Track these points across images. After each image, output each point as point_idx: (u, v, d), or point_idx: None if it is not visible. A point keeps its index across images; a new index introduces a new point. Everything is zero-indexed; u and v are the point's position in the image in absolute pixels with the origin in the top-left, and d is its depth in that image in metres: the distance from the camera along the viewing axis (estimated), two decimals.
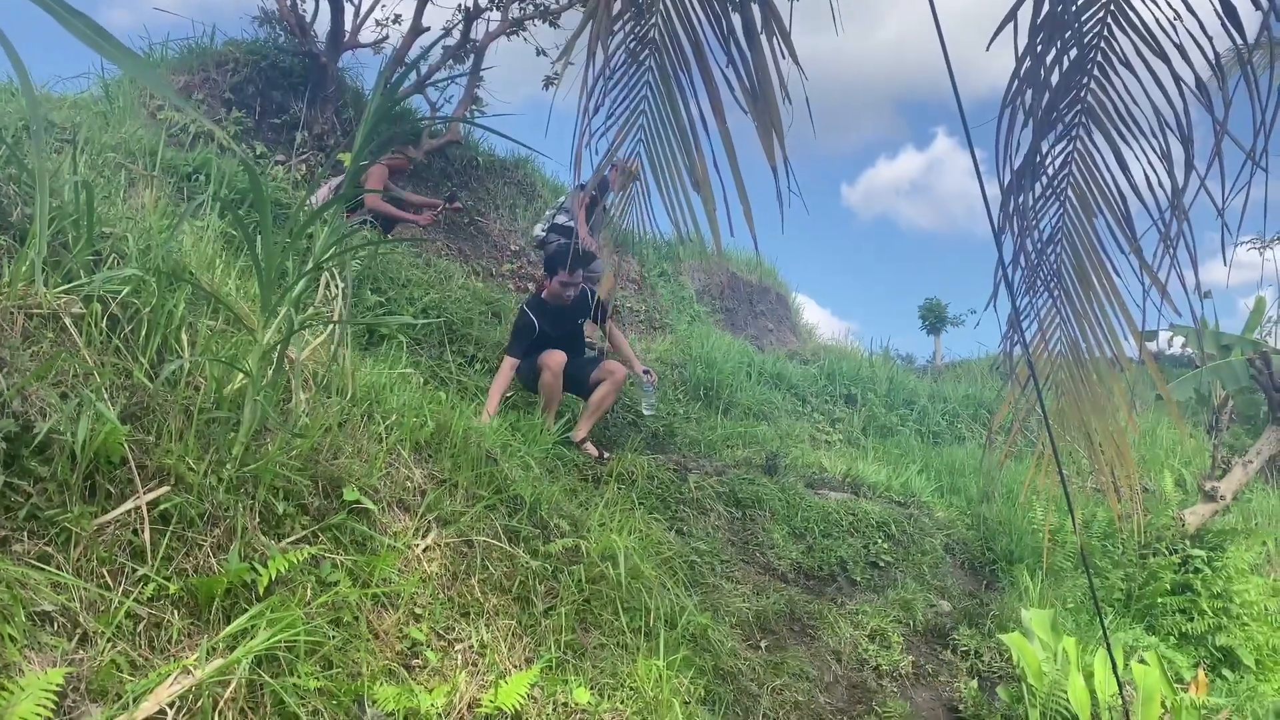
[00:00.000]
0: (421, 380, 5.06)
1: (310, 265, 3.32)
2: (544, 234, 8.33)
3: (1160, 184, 3.36)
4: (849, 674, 5.10)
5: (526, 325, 6.33)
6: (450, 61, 9.95)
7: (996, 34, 3.10)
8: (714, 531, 5.98)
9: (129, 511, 2.57)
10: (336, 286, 4.01)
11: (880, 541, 6.60)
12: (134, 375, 2.92)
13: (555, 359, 6.23)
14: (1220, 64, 3.15)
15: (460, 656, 3.26)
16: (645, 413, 6.72)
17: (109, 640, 2.30)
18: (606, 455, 6.30)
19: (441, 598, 3.42)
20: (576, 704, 3.38)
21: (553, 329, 6.41)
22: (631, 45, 3.56)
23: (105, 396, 2.73)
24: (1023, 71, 3.24)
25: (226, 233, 4.52)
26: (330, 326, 3.90)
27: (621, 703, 3.58)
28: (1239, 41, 3.01)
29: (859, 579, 6.18)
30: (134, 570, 2.50)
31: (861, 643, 5.36)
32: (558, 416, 6.40)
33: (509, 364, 6.20)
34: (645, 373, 6.64)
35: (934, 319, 24.91)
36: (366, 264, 5.96)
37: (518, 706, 3.11)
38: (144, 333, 3.08)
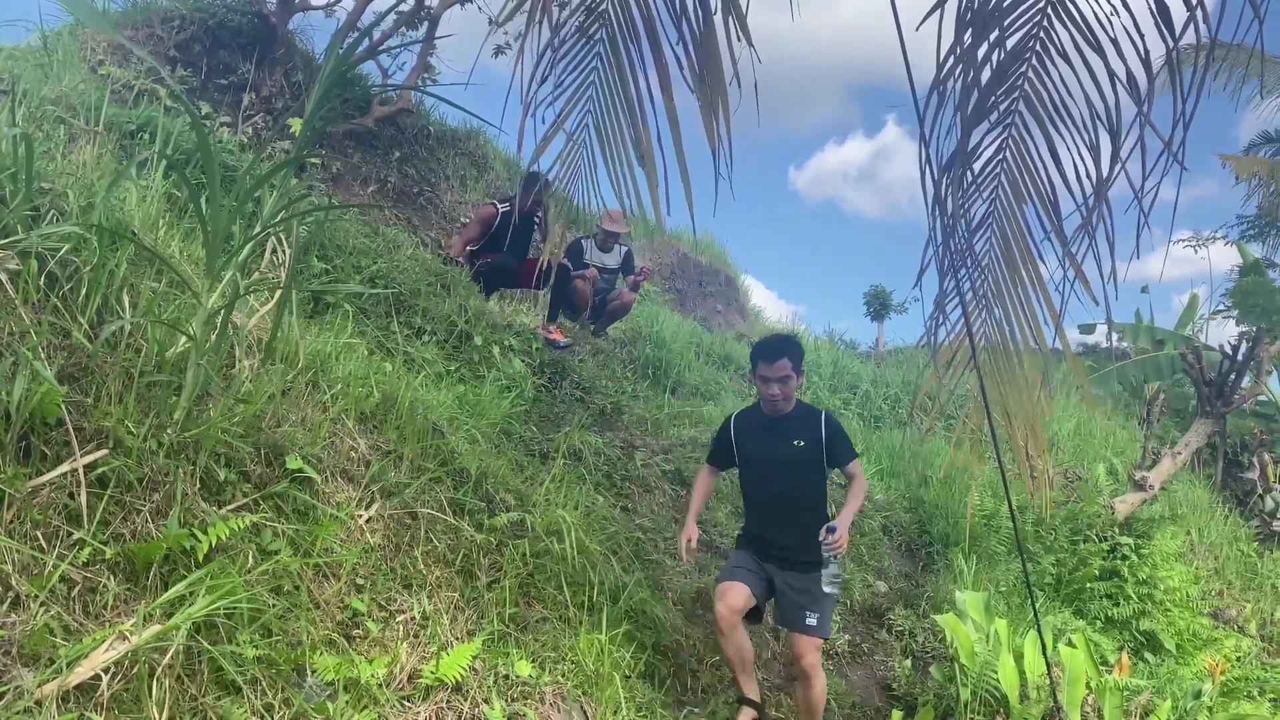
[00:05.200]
0: (367, 350, 5.00)
1: (257, 229, 3.27)
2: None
3: (1088, 174, 3.46)
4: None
5: (723, 440, 4.85)
6: (404, 28, 9.76)
7: (925, 19, 3.13)
8: (659, 509, 6.01)
9: (65, 474, 2.52)
10: (283, 252, 3.95)
11: None
12: (73, 335, 2.85)
13: (733, 597, 4.28)
14: (1149, 60, 3.25)
15: (402, 628, 3.26)
16: (825, 590, 4.40)
17: (42, 604, 2.26)
18: None
19: (384, 569, 3.41)
20: (518, 676, 3.39)
21: (760, 448, 4.62)
22: (581, 19, 3.54)
23: (42, 356, 2.67)
24: (945, 69, 3.28)
25: (171, 194, 4.41)
26: (277, 292, 3.85)
27: (563, 676, 3.60)
28: (1169, 43, 3.09)
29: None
30: (69, 534, 2.46)
31: None
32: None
33: (704, 471, 4.96)
34: (830, 530, 4.27)
35: (878, 306, 25.25)
36: (313, 231, 5.85)
37: (459, 678, 3.12)
38: (84, 292, 3.00)
